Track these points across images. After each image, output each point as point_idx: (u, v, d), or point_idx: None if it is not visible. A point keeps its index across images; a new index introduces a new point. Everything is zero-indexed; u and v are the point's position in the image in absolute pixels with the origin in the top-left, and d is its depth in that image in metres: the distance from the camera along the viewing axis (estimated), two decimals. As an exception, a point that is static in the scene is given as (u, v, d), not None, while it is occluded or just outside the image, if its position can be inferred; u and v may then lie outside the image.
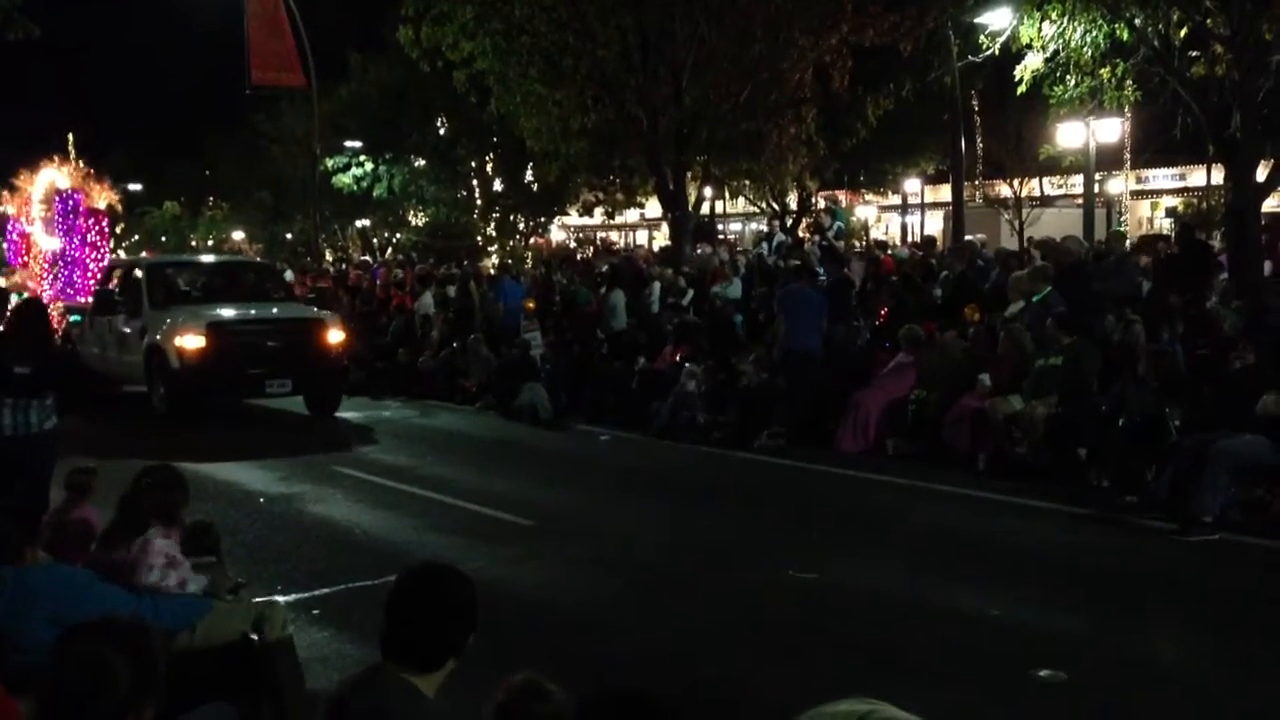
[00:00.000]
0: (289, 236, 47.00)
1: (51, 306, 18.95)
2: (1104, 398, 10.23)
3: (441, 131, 39.20)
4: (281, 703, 4.90)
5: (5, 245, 21.80)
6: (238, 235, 52.63)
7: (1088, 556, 8.12)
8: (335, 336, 15.05)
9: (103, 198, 20.08)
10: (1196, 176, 33.30)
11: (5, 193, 21.44)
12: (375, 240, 45.23)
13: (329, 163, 37.43)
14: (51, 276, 19.92)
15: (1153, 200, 37.32)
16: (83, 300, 18.22)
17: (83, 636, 2.66)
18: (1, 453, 7.39)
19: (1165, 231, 26.84)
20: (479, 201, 40.73)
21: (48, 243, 20.14)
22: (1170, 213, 34.29)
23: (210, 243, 53.64)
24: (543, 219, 41.58)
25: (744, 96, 19.99)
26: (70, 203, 19.39)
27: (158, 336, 14.48)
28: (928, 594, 7.20)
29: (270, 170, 43.23)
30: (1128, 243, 15.86)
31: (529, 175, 36.80)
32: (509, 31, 19.63)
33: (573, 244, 42.58)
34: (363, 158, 40.06)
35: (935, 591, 7.25)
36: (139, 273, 16.27)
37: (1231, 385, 9.38)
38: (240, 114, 41.58)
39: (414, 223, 42.89)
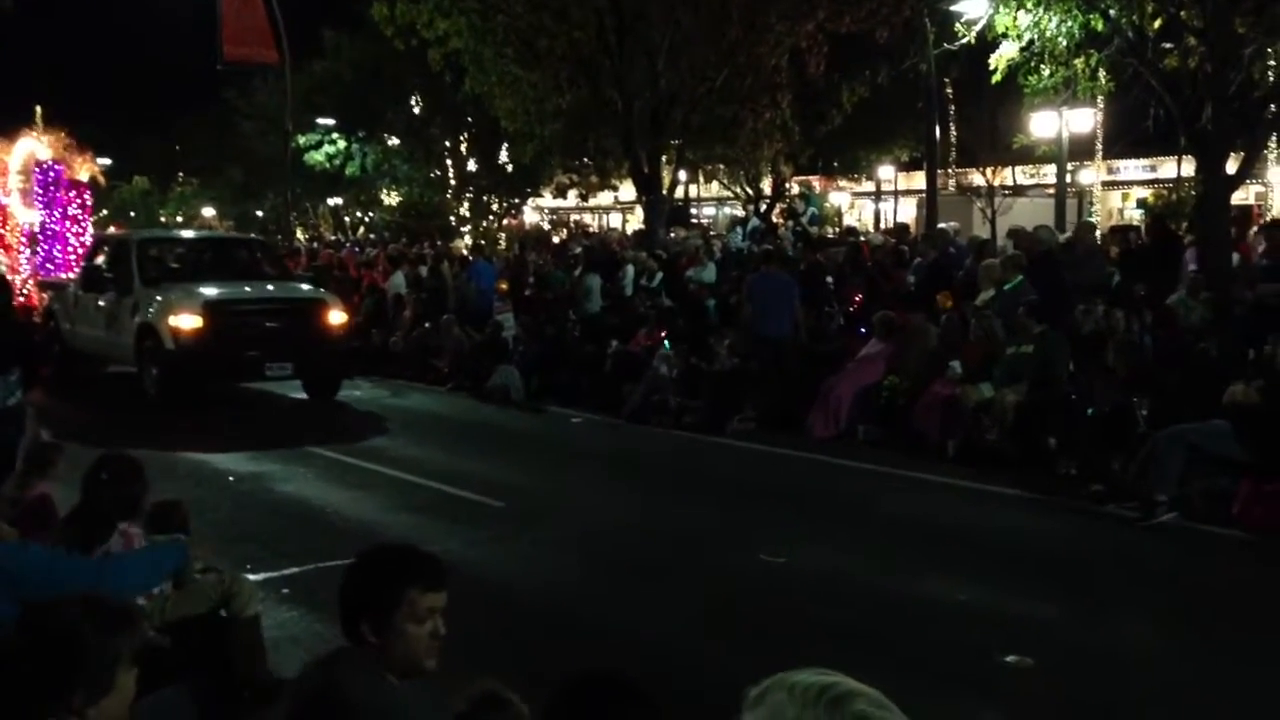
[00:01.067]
0: (260, 214, 46.65)
1: (31, 282, 18.49)
2: (1073, 387, 10.31)
3: (416, 110, 38.98)
4: (240, 679, 4.87)
5: None
6: (208, 212, 52.20)
7: (1055, 543, 8.19)
8: (337, 317, 14.41)
9: (84, 169, 19.39)
10: (1167, 168, 33.50)
11: None
12: (347, 219, 44.96)
13: (301, 140, 37.14)
14: (29, 251, 19.36)
15: (1123, 191, 37.55)
16: (65, 276, 17.58)
17: (52, 611, 2.64)
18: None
19: (1135, 222, 27.00)
20: (453, 181, 40.55)
21: (25, 215, 19.47)
22: (1141, 204, 34.49)
23: (180, 219, 53.15)
24: (516, 200, 41.45)
25: (719, 81, 19.96)
26: (51, 174, 18.68)
27: (150, 315, 13.77)
28: (896, 579, 7.24)
29: (242, 146, 42.87)
30: (1098, 233, 15.98)
31: (503, 156, 36.65)
32: (484, 11, 19.51)
33: (546, 226, 42.44)
34: (335, 135, 39.79)
35: (904, 577, 7.29)
36: (129, 248, 15.30)
37: (1198, 376, 9.48)
38: (212, 89, 41.22)
39: (387, 202, 42.66)
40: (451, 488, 9.79)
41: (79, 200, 18.84)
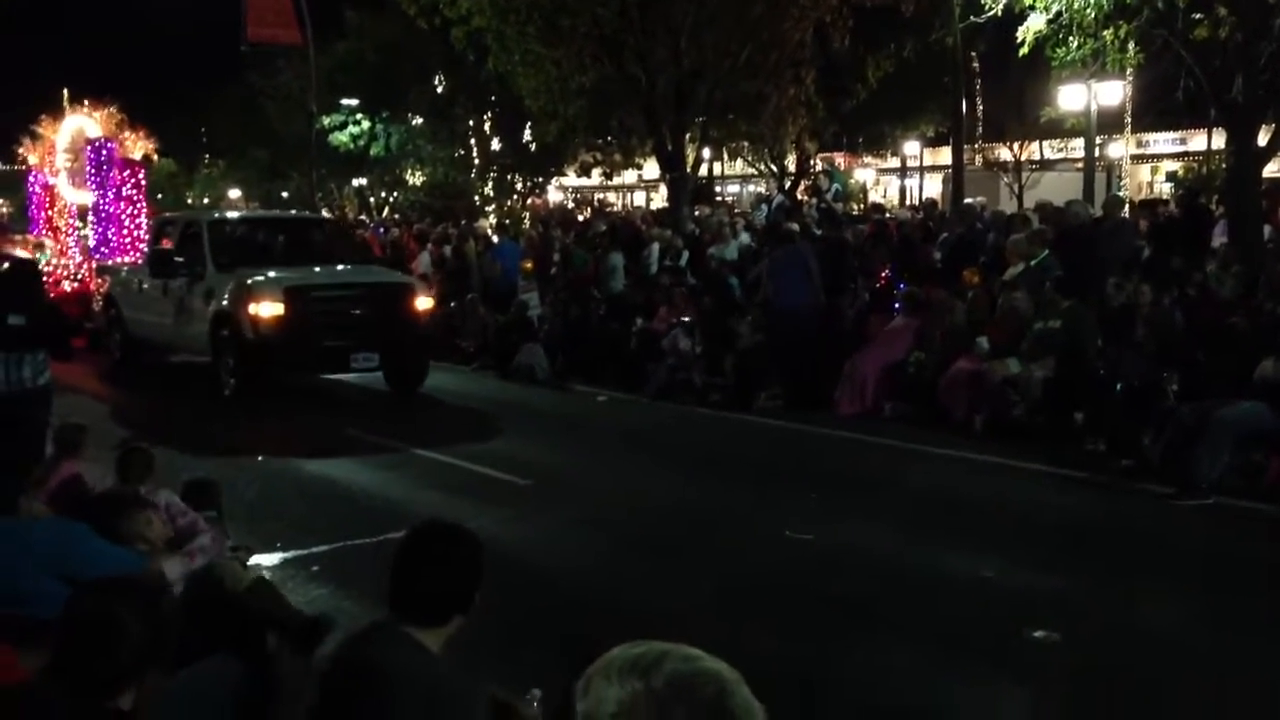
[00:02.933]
0: (285, 195, 46.79)
1: (85, 266, 18.10)
2: (1101, 362, 10.23)
3: (439, 90, 38.94)
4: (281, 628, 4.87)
5: (28, 198, 20.58)
6: (234, 193, 52.40)
7: (1083, 519, 8.15)
8: (424, 303, 13.56)
9: (138, 147, 18.65)
10: (1197, 141, 33.16)
11: (27, 141, 20.17)
12: (372, 199, 45.03)
13: (325, 121, 37.18)
14: (78, 232, 18.99)
15: (1153, 164, 37.19)
16: (121, 260, 17.03)
17: (99, 594, 2.66)
18: (-3, 409, 7.37)
19: (1165, 196, 26.74)
20: (476, 161, 40.53)
21: (74, 195, 18.96)
22: (1170, 177, 34.16)
23: (206, 201, 53.39)
24: (540, 179, 41.40)
25: (743, 57, 19.83)
26: (103, 153, 17.91)
27: (226, 303, 12.82)
28: (923, 555, 7.22)
29: (266, 128, 42.95)
30: (1126, 207, 15.83)
31: (527, 135, 36.59)
32: (507, -12, 19.45)
33: (570, 205, 42.42)
34: (359, 116, 39.79)
35: (930, 553, 7.27)
36: (200, 229, 14.33)
37: (1229, 350, 9.39)
38: (236, 71, 41.28)
39: (411, 182, 42.69)
40: (477, 466, 9.83)
41: (133, 180, 18.13)
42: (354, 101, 39.30)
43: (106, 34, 66.29)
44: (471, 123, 39.93)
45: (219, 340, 12.96)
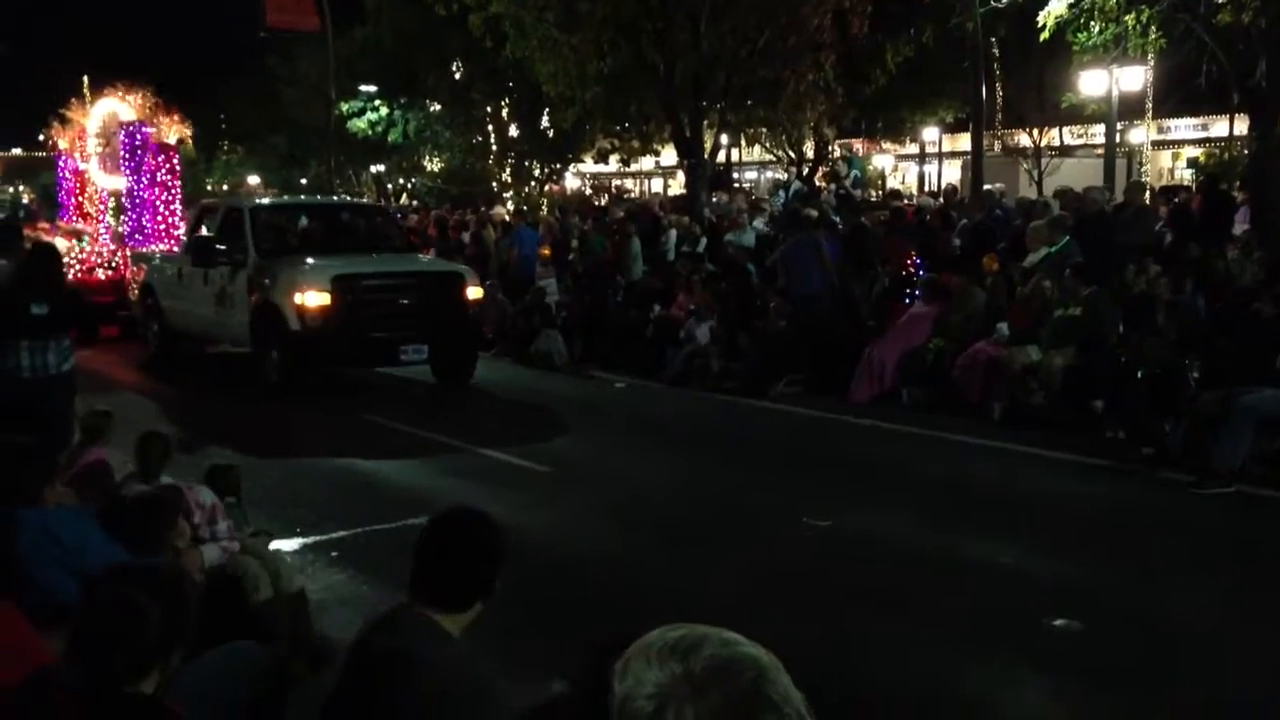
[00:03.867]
0: (304, 181, 46.93)
1: (119, 253, 17.61)
2: (1122, 349, 10.18)
3: (457, 76, 38.93)
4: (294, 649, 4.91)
5: (57, 183, 20.22)
6: (253, 180, 52.58)
7: (1103, 507, 8.12)
8: (474, 293, 13.11)
9: (173, 131, 18.26)
10: (1219, 127, 32.86)
11: (56, 125, 19.85)
12: (390, 186, 45.11)
13: (344, 107, 37.25)
14: (110, 218, 18.70)
15: (1174, 150, 36.89)
16: (156, 247, 16.64)
17: (120, 579, 2.69)
18: (20, 395, 7.43)
19: (1186, 182, 26.54)
20: (494, 147, 40.53)
21: (105, 181, 18.56)
22: (1192, 163, 33.88)
23: (225, 187, 53.57)
24: (558, 165, 41.38)
25: (762, 42, 19.79)
26: (138, 137, 17.44)
27: (270, 292, 12.41)
28: (941, 543, 7.21)
29: (285, 114, 43.05)
30: (1147, 194, 15.71)
31: (545, 121, 36.57)
32: (525, -26, 19.44)
33: (588, 191, 42.39)
34: (378, 102, 39.84)
35: (949, 540, 7.26)
36: (242, 216, 13.71)
37: (1251, 337, 9.32)
38: (255, 57, 41.36)
39: (429, 168, 42.74)
40: (496, 452, 9.85)
41: (168, 165, 17.65)
42: (372, 88, 39.36)
43: (123, 20, 66.53)
44: (489, 109, 39.92)
45: (262, 331, 12.57)
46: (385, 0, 37.69)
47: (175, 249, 16.21)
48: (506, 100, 38.87)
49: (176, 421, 10.78)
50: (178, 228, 17.28)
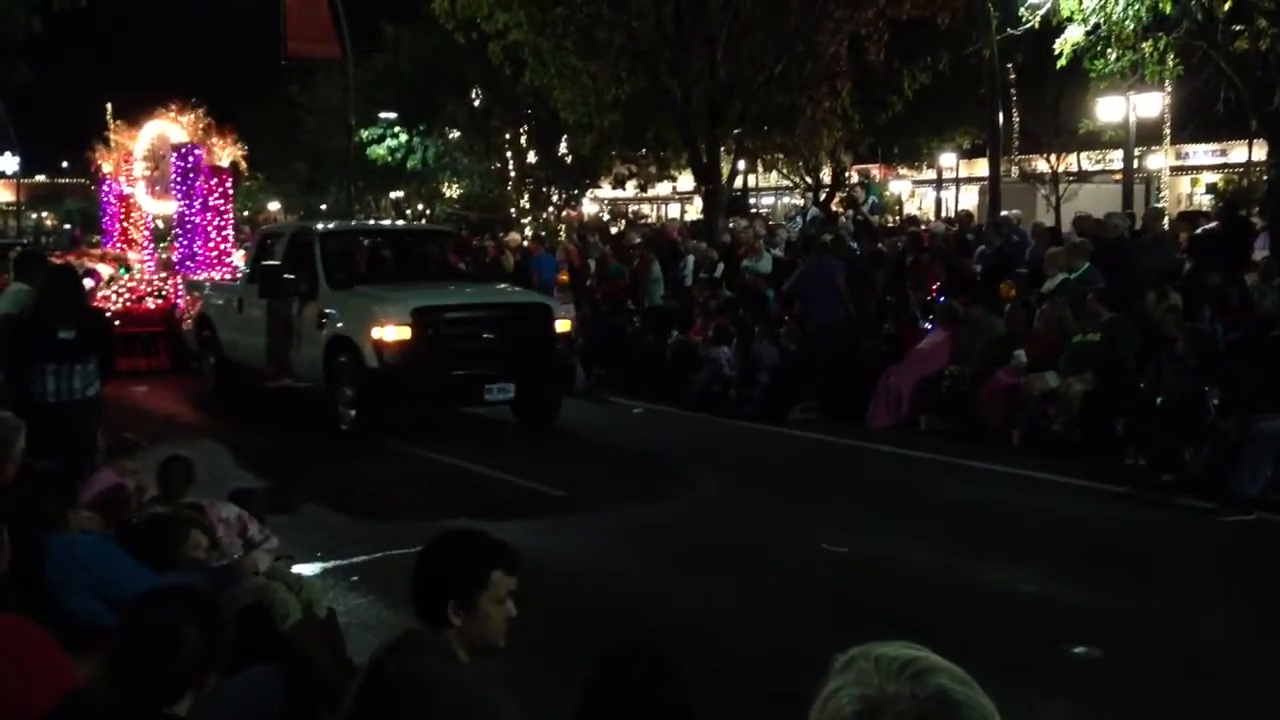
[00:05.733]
0: (324, 207, 47.22)
1: (169, 282, 16.64)
2: (1141, 375, 10.16)
3: (476, 103, 39.19)
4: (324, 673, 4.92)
5: (101, 208, 19.68)
6: (273, 206, 52.97)
7: (1123, 534, 8.09)
8: (562, 325, 12.15)
9: (226, 154, 17.37)
10: (1238, 153, 32.81)
11: (100, 148, 19.19)
12: (409, 211, 45.35)
13: (364, 134, 37.51)
14: (155, 246, 18.17)
15: (1193, 176, 36.81)
16: (209, 275, 16.04)
17: (157, 602, 2.73)
18: (46, 418, 7.49)
19: (1205, 208, 26.47)
20: (513, 174, 40.75)
21: (152, 206, 18.02)
22: (1210, 189, 33.80)
23: (245, 213, 53.94)
24: (575, 191, 41.56)
25: (778, 69, 19.86)
26: (190, 160, 16.68)
27: (343, 326, 11.55)
28: (960, 569, 7.20)
29: (305, 141, 43.37)
30: (1166, 220, 15.70)
31: (563, 148, 36.76)
32: (543, 3, 19.57)
33: (605, 217, 42.53)
34: (397, 129, 40.13)
35: (967, 567, 7.25)
36: (312, 242, 12.78)
37: (1271, 364, 9.30)
38: (276, 85, 41.71)
39: (448, 194, 42.97)
40: (514, 476, 9.88)
41: (220, 188, 16.98)
42: (392, 115, 39.65)
43: (150, 50, 67.25)
44: (508, 135, 40.15)
45: (335, 367, 11.65)
46: (405, 29, 38.02)
47: (227, 276, 15.70)
48: (525, 127, 39.09)
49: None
50: (229, 254, 16.81)
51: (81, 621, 3.92)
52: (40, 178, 67.54)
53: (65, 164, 59.10)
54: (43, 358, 7.58)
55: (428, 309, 11.29)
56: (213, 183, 16.90)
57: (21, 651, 2.97)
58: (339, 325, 11.64)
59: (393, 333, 11.02)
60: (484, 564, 3.10)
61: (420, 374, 10.98)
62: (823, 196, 30.90)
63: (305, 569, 6.75)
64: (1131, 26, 13.41)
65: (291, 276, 12.34)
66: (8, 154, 49.43)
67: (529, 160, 40.61)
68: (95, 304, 15.19)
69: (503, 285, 14.12)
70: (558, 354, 12.02)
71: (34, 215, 56.94)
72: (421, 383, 11.06)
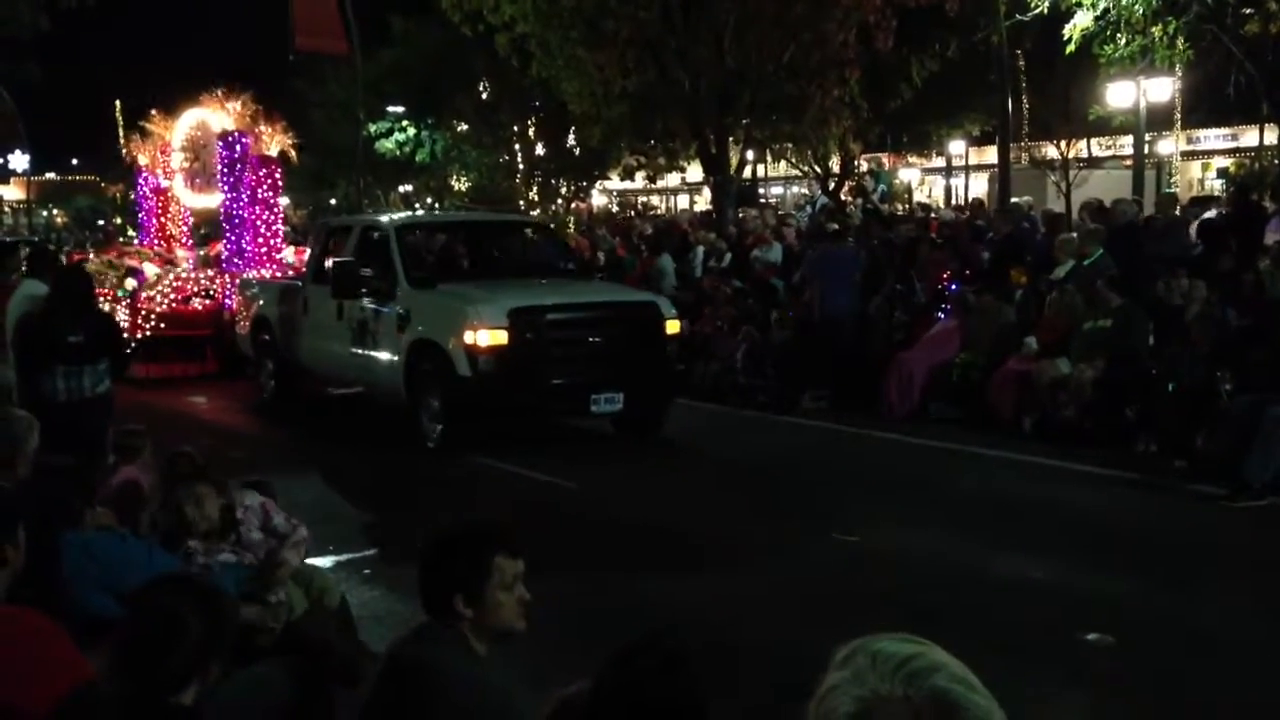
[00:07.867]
0: (333, 202, 47.28)
1: (217, 281, 15.57)
2: (1153, 361, 10.13)
3: (484, 96, 39.19)
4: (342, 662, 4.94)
5: (137, 203, 18.67)
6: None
7: (1135, 521, 8.08)
8: (672, 327, 11.00)
9: (274, 142, 16.05)
10: (1249, 137, 32.65)
11: (136, 139, 18.14)
12: (418, 205, 45.41)
13: (372, 128, 37.54)
14: (198, 241, 17.50)
15: (1204, 161, 36.65)
16: (263, 273, 14.94)
17: (160, 591, 2.74)
18: (56, 418, 7.52)
19: (1216, 193, 26.34)
20: (521, 166, 40.75)
21: (191, 200, 17.03)
22: (1222, 174, 33.64)
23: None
24: (584, 183, 41.55)
25: (786, 58, 19.82)
26: (237, 149, 15.47)
27: (427, 329, 10.53)
28: (972, 557, 7.19)
29: (314, 135, 43.43)
30: (1178, 206, 15.63)
31: (571, 139, 36.75)
32: (550, -5, 19.57)
33: (614, 208, 42.52)
34: (405, 123, 40.16)
35: (979, 554, 7.24)
36: (387, 236, 11.65)
37: (1283, 349, 9.25)
38: (284, 80, 41.73)
39: (456, 187, 43.00)
40: (524, 469, 9.89)
41: (269, 180, 15.73)
42: (400, 108, 39.68)
43: (156, 45, 67.40)
44: (516, 128, 40.15)
45: (417, 376, 10.59)
46: (412, 23, 38.02)
47: (279, 274, 14.79)
48: (533, 119, 39.09)
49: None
50: (280, 250, 15.89)
51: (96, 618, 3.93)
52: (50, 175, 67.77)
53: (75, 161, 59.31)
54: (54, 359, 7.62)
55: (525, 309, 10.22)
56: (261, 173, 15.64)
57: (30, 643, 2.99)
58: (420, 329, 10.58)
59: (487, 337, 9.96)
60: (484, 552, 3.06)
61: (519, 383, 9.96)
62: (832, 185, 30.85)
63: (318, 561, 6.77)
64: (1140, 11, 13.38)
65: (370, 273, 11.25)
66: (18, 152, 49.53)
67: (537, 152, 40.61)
68: (139, 305, 14.96)
69: (608, 283, 13.11)
70: (668, 358, 10.98)
71: (44, 213, 57.08)
72: (519, 392, 10.03)
